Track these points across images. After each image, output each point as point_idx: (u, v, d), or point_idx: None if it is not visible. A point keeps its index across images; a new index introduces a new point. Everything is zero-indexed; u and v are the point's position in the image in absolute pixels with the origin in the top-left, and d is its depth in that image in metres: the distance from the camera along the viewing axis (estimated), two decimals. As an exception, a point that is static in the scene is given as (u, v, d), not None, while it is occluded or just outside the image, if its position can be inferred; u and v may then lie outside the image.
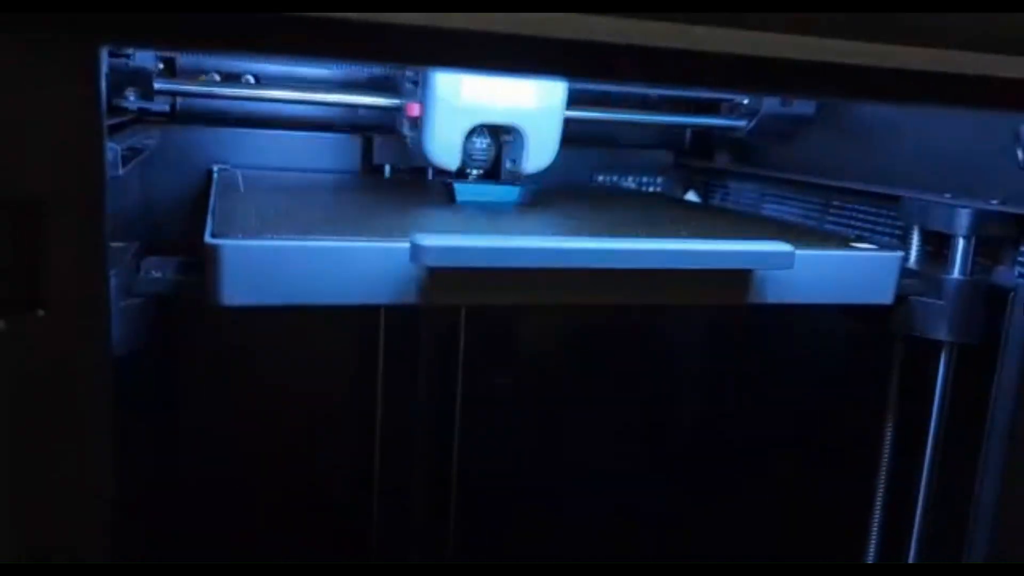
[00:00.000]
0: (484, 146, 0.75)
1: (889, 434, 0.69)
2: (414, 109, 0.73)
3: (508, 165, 0.76)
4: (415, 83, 0.74)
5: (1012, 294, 0.59)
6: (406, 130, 0.77)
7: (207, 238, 0.49)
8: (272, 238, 0.50)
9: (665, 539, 1.03)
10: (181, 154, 0.90)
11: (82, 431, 0.38)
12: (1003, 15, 0.42)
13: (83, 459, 0.38)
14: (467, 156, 0.73)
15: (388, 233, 0.54)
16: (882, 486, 0.70)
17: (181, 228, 0.89)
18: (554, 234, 0.62)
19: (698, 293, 0.57)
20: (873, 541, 0.71)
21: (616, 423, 1.06)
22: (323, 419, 0.96)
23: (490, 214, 0.70)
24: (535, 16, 0.37)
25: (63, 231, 0.36)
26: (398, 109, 0.80)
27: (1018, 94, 0.45)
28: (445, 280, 0.52)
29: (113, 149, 0.57)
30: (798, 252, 0.55)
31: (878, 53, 0.41)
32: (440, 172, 0.76)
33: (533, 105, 0.73)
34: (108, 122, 0.39)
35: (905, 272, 0.62)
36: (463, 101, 0.71)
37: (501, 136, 0.75)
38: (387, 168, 0.95)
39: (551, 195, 0.79)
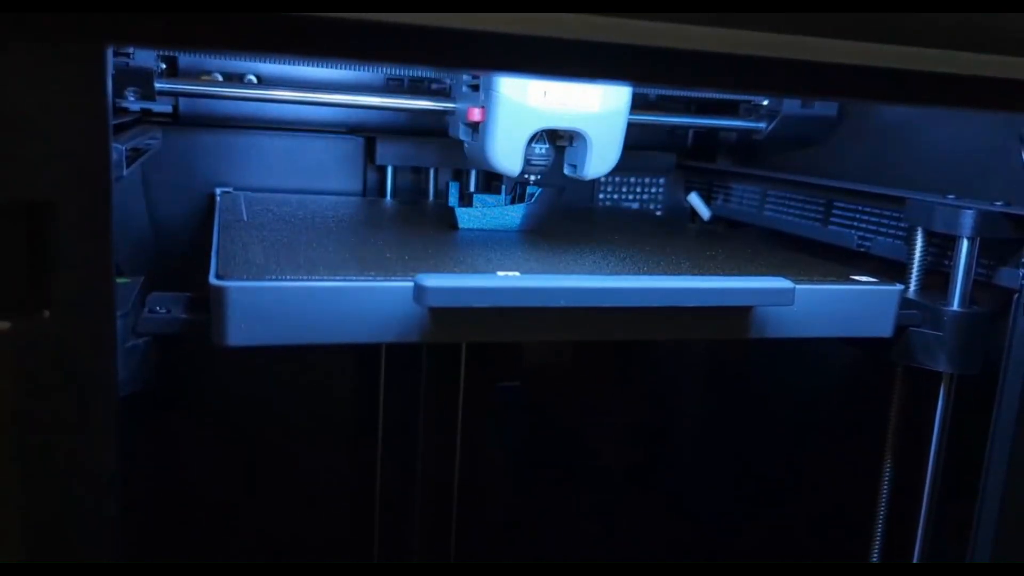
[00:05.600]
0: (543, 151, 0.73)
1: (890, 454, 0.70)
2: (475, 113, 0.71)
3: (568, 171, 0.75)
4: (474, 87, 0.73)
5: (1016, 295, 0.59)
6: (462, 135, 0.76)
7: (212, 280, 0.49)
8: (276, 279, 0.50)
9: (670, 543, 1.05)
10: (183, 153, 0.90)
11: (86, 431, 0.38)
12: (1003, 15, 0.42)
13: (87, 458, 0.39)
14: (526, 161, 0.72)
15: (393, 269, 0.54)
16: (884, 505, 0.71)
17: (183, 229, 0.90)
18: (557, 268, 0.61)
19: (699, 329, 0.58)
20: (877, 545, 0.72)
21: (618, 430, 1.06)
22: (325, 428, 0.97)
23: (493, 244, 0.69)
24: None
25: (69, 231, 0.36)
26: (452, 113, 0.79)
27: (1018, 94, 0.45)
28: (449, 319, 0.53)
29: (118, 150, 0.57)
30: (798, 287, 0.55)
31: (878, 53, 0.41)
32: (498, 176, 0.75)
33: (597, 109, 0.71)
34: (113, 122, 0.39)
35: (905, 303, 0.62)
36: (529, 105, 0.70)
37: (558, 141, 0.74)
38: (390, 169, 0.95)
39: (552, 217, 0.78)
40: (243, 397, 0.94)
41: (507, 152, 0.71)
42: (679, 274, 0.61)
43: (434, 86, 0.93)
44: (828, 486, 0.84)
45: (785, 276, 0.57)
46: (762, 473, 0.96)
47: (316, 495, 0.97)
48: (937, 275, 0.67)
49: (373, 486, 0.95)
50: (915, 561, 0.68)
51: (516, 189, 0.77)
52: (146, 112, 0.84)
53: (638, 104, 0.97)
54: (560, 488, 1.04)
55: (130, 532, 0.42)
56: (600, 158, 0.73)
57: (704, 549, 1.01)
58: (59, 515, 0.38)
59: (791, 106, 0.89)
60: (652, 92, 0.97)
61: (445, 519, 0.95)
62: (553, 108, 0.70)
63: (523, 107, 0.70)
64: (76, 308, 0.37)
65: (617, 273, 0.60)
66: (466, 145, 0.76)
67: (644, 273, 0.61)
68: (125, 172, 0.61)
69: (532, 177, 0.76)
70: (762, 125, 0.93)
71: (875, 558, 0.71)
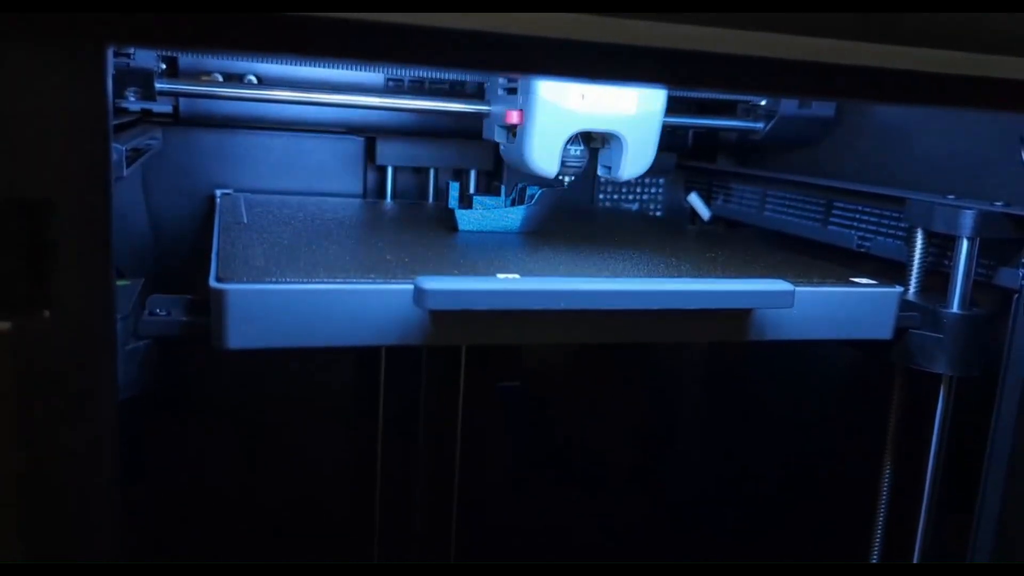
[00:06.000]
0: (578, 153, 0.74)
1: (890, 455, 0.70)
2: (513, 116, 0.72)
3: (602, 172, 0.76)
4: (511, 90, 0.74)
5: (1016, 296, 0.59)
6: (498, 137, 0.76)
7: (212, 282, 0.49)
8: (276, 282, 0.50)
9: (669, 543, 1.05)
10: (183, 154, 0.90)
11: (87, 430, 0.38)
12: (1003, 15, 0.42)
13: (88, 458, 0.39)
14: (562, 163, 0.73)
15: (393, 271, 0.54)
16: (884, 506, 0.71)
17: (183, 229, 0.90)
18: (557, 270, 0.61)
19: (699, 332, 0.58)
20: (877, 546, 0.72)
21: (618, 430, 1.06)
22: (325, 428, 0.97)
23: (493, 246, 0.69)
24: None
25: (69, 231, 0.36)
26: (486, 115, 0.80)
27: (1018, 94, 0.45)
28: (449, 322, 0.53)
29: (118, 150, 0.57)
30: (798, 289, 0.55)
31: (878, 53, 0.41)
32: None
33: (634, 111, 0.72)
34: (113, 122, 0.39)
35: (905, 305, 0.62)
36: (567, 108, 0.70)
37: (591, 143, 0.75)
38: (390, 169, 0.96)
39: (552, 219, 0.79)
40: (242, 396, 0.94)
41: (545, 154, 0.72)
42: (679, 276, 0.61)
43: (435, 87, 0.93)
44: (828, 487, 0.84)
45: (785, 278, 0.57)
46: (762, 473, 0.96)
47: (316, 495, 0.97)
48: (937, 275, 0.67)
49: (373, 486, 0.95)
50: (918, 547, 0.68)
51: (516, 191, 0.77)
52: (146, 112, 0.84)
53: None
54: (560, 488, 1.04)
55: (131, 532, 0.42)
56: (635, 159, 0.74)
57: (704, 549, 1.01)
58: (59, 516, 0.38)
59: (788, 106, 0.89)
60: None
61: (445, 519, 0.95)
62: (590, 110, 0.71)
63: (561, 110, 0.71)
64: (76, 308, 0.37)
65: (617, 275, 0.60)
66: (502, 147, 0.77)
67: (644, 275, 0.61)
68: (125, 172, 0.61)
69: (567, 178, 0.76)
70: (760, 125, 0.93)
71: (875, 559, 0.71)
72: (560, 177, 0.75)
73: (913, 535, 0.68)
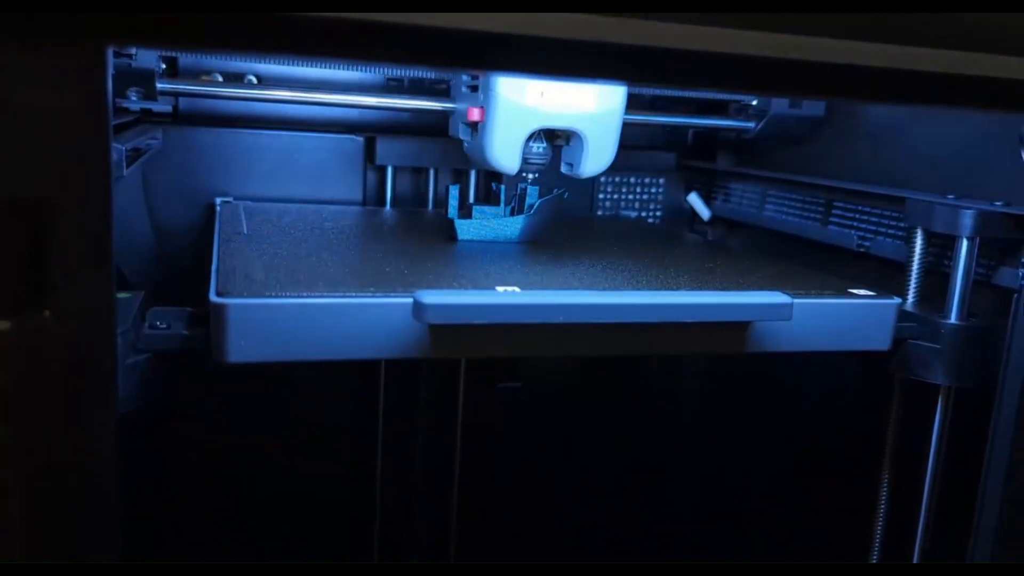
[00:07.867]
0: (541, 150, 0.75)
1: (889, 464, 0.70)
2: (475, 113, 0.73)
3: (565, 169, 0.77)
4: (473, 88, 0.75)
5: (1016, 296, 0.59)
6: (462, 134, 0.78)
7: (212, 297, 0.50)
8: (276, 296, 0.50)
9: (670, 542, 1.05)
10: (183, 154, 0.90)
11: (87, 431, 0.38)
12: (1003, 15, 0.42)
13: (87, 459, 0.38)
14: (524, 160, 0.74)
15: (392, 284, 0.55)
16: (883, 515, 0.71)
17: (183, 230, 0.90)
18: (556, 281, 0.62)
19: (697, 344, 0.58)
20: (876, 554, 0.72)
21: (618, 433, 1.07)
22: (326, 428, 0.98)
23: (492, 257, 0.69)
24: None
25: (69, 231, 0.36)
26: (451, 113, 0.81)
27: (1018, 94, 0.45)
28: (448, 335, 0.53)
29: (118, 150, 0.57)
30: (796, 302, 0.55)
31: (878, 53, 0.41)
32: (497, 178, 0.76)
33: (593, 109, 0.73)
34: (113, 122, 0.39)
35: (903, 315, 0.62)
36: (526, 105, 0.72)
37: (555, 140, 0.76)
38: (390, 170, 0.95)
39: (551, 227, 0.79)
40: (243, 395, 0.95)
41: (505, 151, 0.73)
42: (678, 288, 0.61)
43: (435, 86, 0.93)
44: (829, 491, 0.85)
45: (783, 290, 0.57)
46: (762, 475, 0.96)
47: (316, 495, 0.97)
48: (937, 275, 0.67)
49: (373, 486, 0.95)
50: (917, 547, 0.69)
51: (515, 200, 0.77)
52: (146, 112, 0.84)
53: (637, 104, 0.98)
54: (560, 488, 1.05)
55: (131, 528, 0.42)
56: (596, 157, 0.75)
57: (705, 550, 1.02)
58: (58, 516, 0.38)
59: (779, 106, 0.90)
60: (648, 92, 0.97)
61: (445, 519, 0.96)
62: (550, 108, 0.72)
63: (521, 107, 0.72)
64: (76, 308, 0.37)
65: (616, 287, 0.60)
66: (466, 144, 0.78)
67: (643, 287, 0.61)
68: (125, 172, 0.62)
69: (531, 175, 0.77)
70: (751, 125, 0.93)
71: (875, 560, 0.72)
72: (523, 174, 0.77)
73: (913, 537, 0.68)
